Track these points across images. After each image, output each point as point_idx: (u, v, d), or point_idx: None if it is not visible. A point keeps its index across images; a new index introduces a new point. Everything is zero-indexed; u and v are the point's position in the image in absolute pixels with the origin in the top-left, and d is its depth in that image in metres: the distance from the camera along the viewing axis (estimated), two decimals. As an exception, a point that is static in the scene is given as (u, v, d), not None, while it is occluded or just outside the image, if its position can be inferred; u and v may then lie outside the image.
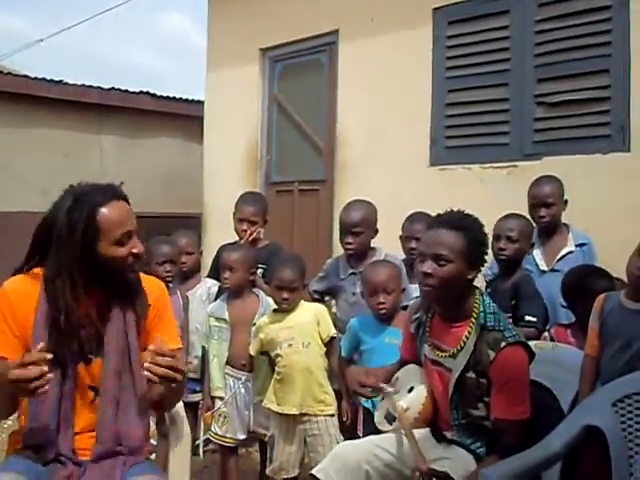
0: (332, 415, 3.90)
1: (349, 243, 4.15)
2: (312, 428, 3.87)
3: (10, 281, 2.61)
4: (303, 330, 3.90)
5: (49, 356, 2.20)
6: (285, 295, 3.88)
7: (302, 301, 4.02)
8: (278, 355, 3.91)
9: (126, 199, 2.60)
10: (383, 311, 3.70)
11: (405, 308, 3.70)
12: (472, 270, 2.80)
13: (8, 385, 2.19)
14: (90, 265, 2.52)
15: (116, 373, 2.58)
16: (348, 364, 3.85)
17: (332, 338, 3.94)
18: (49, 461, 2.49)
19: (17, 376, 2.15)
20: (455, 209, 2.92)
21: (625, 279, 3.17)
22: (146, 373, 2.28)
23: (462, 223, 2.81)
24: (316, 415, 3.87)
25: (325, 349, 3.95)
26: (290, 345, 3.88)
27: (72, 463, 2.50)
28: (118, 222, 2.51)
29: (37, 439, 2.50)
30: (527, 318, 3.72)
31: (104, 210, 2.49)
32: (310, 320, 3.92)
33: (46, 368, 2.17)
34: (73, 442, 2.54)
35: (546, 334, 3.87)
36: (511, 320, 3.63)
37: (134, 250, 2.56)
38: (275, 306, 4.02)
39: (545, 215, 4.21)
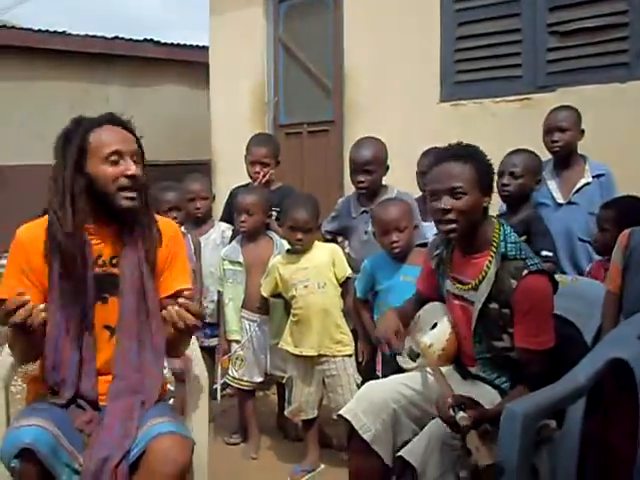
0: (350, 355, 3.89)
1: (361, 181, 4.08)
2: (330, 369, 3.86)
3: (23, 228, 2.62)
4: (318, 271, 3.87)
5: (27, 297, 2.25)
6: (299, 236, 3.83)
7: (317, 242, 3.98)
8: (293, 297, 3.89)
9: (125, 126, 2.62)
10: (397, 250, 3.64)
11: (422, 246, 3.66)
12: (485, 197, 2.74)
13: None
14: (90, 193, 2.53)
15: (133, 311, 2.59)
16: (364, 304, 3.84)
17: (347, 278, 3.92)
18: (69, 405, 2.52)
19: (10, 320, 2.24)
20: (455, 142, 2.85)
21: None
22: (164, 313, 2.39)
23: (467, 152, 2.75)
24: (334, 356, 3.86)
25: (341, 289, 3.92)
26: (306, 286, 3.85)
27: (92, 408, 2.53)
28: (107, 141, 2.53)
29: (58, 379, 2.53)
30: (544, 253, 3.64)
31: (96, 130, 2.55)
32: (325, 261, 3.89)
33: (28, 297, 2.24)
34: (95, 382, 2.57)
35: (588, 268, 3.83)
36: None
37: (128, 172, 2.53)
38: (289, 247, 3.99)
39: (558, 140, 4.11)
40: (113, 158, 2.51)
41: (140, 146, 2.64)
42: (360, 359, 3.92)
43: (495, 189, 2.94)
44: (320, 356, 3.85)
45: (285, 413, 4.09)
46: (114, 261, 2.61)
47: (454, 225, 2.72)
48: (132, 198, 2.54)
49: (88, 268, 2.55)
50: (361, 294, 3.85)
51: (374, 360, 3.88)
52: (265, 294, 4.06)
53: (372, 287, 3.80)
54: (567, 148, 4.12)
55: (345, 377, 3.84)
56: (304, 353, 3.87)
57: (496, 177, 3.65)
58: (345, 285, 3.93)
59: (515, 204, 3.90)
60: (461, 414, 2.41)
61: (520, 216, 3.84)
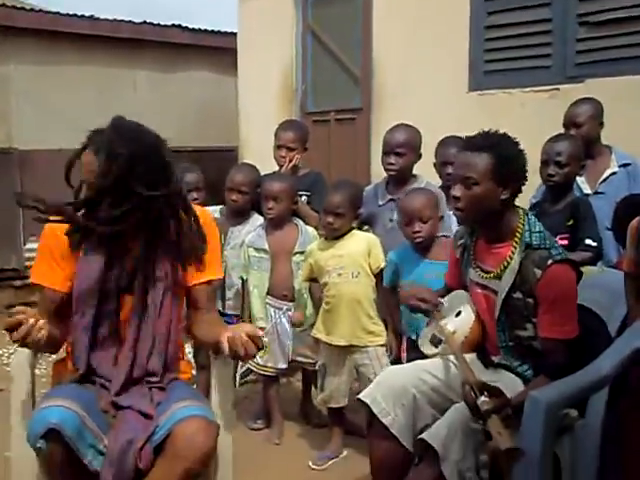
0: (383, 345, 3.87)
1: (391, 164, 4.09)
2: (362, 358, 3.86)
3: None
4: (353, 259, 3.84)
5: (21, 317, 2.26)
6: (329, 219, 3.82)
7: (355, 231, 3.95)
8: (326, 284, 3.88)
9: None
10: (419, 239, 3.63)
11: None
12: (505, 190, 2.73)
13: None
14: None
15: (148, 302, 2.61)
16: (391, 293, 3.80)
17: (382, 269, 3.87)
18: (86, 382, 2.58)
19: (11, 337, 2.26)
20: (486, 129, 2.84)
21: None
22: (224, 348, 2.39)
23: (488, 143, 2.74)
24: (366, 346, 3.85)
25: (375, 280, 3.89)
26: (340, 274, 3.84)
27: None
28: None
29: (80, 362, 2.59)
30: (587, 242, 3.61)
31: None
32: (361, 250, 3.86)
33: (23, 317, 2.26)
34: (114, 366, 2.60)
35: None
36: (568, 242, 3.56)
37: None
38: (315, 235, 4.01)
39: (575, 135, 4.08)
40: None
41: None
42: (388, 352, 3.90)
43: (518, 183, 2.86)
44: (352, 346, 3.85)
45: (316, 400, 4.10)
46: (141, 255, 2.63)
47: (463, 213, 2.79)
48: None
49: (113, 255, 2.60)
50: (389, 282, 3.82)
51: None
52: (302, 279, 4.06)
53: (398, 277, 3.79)
54: (585, 141, 4.07)
55: (378, 366, 3.78)
56: (334, 342, 3.87)
57: (540, 166, 3.73)
58: (380, 276, 3.89)
59: (560, 192, 3.85)
60: (483, 398, 2.42)
61: (567, 200, 3.80)
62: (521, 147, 2.82)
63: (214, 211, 4.40)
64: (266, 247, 4.18)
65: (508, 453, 2.29)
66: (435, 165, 4.37)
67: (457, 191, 2.77)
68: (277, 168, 4.61)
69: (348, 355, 3.89)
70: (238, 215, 4.52)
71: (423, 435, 2.61)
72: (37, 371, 2.86)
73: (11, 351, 6.17)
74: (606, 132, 4.24)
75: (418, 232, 3.61)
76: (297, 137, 4.59)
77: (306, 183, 4.47)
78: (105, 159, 2.43)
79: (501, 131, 2.85)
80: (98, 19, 9.08)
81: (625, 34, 4.86)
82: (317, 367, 4.05)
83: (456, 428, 2.53)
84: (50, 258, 2.63)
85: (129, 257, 2.61)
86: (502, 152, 2.72)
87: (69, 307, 2.62)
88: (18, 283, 7.85)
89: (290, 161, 4.52)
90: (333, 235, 3.89)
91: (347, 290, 3.83)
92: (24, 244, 8.05)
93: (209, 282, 2.76)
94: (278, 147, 4.59)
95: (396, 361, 3.83)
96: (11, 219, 8.02)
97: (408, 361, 3.50)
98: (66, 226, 2.56)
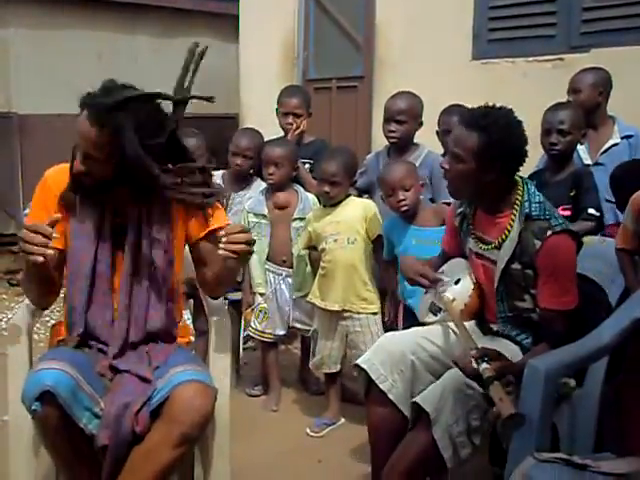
0: (375, 313, 3.89)
1: (392, 131, 4.07)
2: (354, 325, 3.88)
3: (51, 170, 2.64)
4: (349, 226, 3.85)
5: (55, 234, 2.26)
6: (326, 188, 3.83)
7: (352, 197, 3.96)
8: (323, 250, 3.89)
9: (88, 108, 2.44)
10: (404, 208, 3.64)
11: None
12: (489, 173, 2.68)
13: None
14: None
15: (141, 259, 2.59)
16: (390, 264, 3.82)
17: (379, 236, 3.88)
18: (85, 348, 2.56)
19: (24, 236, 2.22)
20: (486, 105, 2.78)
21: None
22: (221, 252, 2.37)
23: (482, 122, 2.66)
24: (358, 312, 3.86)
25: (372, 246, 3.90)
26: (336, 240, 3.85)
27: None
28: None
29: (77, 322, 2.57)
30: (590, 211, 3.57)
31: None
32: (358, 216, 3.87)
33: (50, 242, 2.23)
34: (111, 327, 2.58)
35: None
36: (571, 212, 3.53)
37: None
38: (315, 202, 4.01)
39: (572, 101, 4.07)
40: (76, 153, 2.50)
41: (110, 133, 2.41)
42: (386, 318, 3.93)
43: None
44: (344, 311, 3.86)
45: (309, 365, 4.12)
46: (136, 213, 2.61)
47: (449, 186, 2.86)
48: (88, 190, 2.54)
49: (107, 215, 2.58)
50: (386, 255, 3.85)
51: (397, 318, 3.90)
52: (301, 246, 4.07)
53: (393, 249, 3.80)
54: (583, 109, 4.01)
55: (369, 334, 3.83)
56: (328, 307, 3.88)
57: (541, 134, 3.70)
58: (377, 243, 3.90)
59: (562, 161, 3.79)
60: (484, 366, 2.42)
61: (569, 170, 3.75)
62: (519, 127, 2.74)
63: (216, 177, 4.37)
64: (265, 212, 4.17)
65: (510, 419, 2.29)
66: (438, 133, 4.33)
67: (445, 163, 2.81)
68: (277, 134, 4.57)
69: (340, 321, 3.90)
70: (241, 180, 4.49)
71: (416, 398, 2.62)
72: (35, 336, 2.86)
73: (9, 316, 6.18)
74: (610, 102, 4.20)
75: (403, 200, 3.62)
76: (302, 102, 4.56)
77: (310, 151, 4.44)
78: (109, 133, 2.39)
79: (508, 107, 2.77)
80: (98, -18, 8.98)
81: (632, 3, 4.79)
82: (310, 332, 4.07)
83: (449, 392, 2.54)
84: (45, 213, 2.57)
85: (123, 216, 2.59)
86: (492, 135, 2.64)
87: (61, 264, 2.60)
88: (17, 248, 7.83)
89: (298, 127, 4.48)
90: (329, 203, 3.91)
91: (343, 256, 3.84)
92: (23, 209, 8.02)
93: (215, 231, 2.69)
94: (284, 114, 4.54)
95: (391, 327, 3.84)
96: (10, 184, 7.99)
97: (404, 328, 3.52)
98: (63, 184, 2.55)
